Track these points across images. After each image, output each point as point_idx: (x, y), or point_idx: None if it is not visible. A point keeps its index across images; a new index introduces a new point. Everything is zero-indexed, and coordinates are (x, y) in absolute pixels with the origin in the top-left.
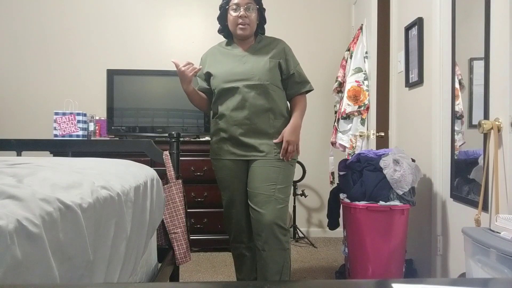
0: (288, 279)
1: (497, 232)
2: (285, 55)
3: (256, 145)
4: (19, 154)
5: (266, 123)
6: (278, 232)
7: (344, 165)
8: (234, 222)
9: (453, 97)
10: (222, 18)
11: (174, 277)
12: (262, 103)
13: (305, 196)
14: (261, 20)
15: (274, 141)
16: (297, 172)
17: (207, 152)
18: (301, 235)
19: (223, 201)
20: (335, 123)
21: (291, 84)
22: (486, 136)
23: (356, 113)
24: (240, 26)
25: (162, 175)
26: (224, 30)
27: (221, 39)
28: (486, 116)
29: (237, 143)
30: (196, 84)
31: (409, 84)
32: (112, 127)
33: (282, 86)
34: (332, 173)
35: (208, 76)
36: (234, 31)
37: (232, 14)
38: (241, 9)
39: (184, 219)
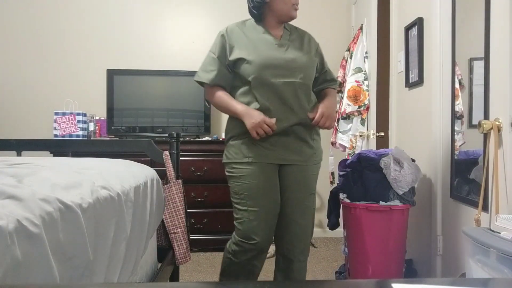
0: None
1: (497, 232)
2: (318, 52)
3: (295, 148)
4: (19, 154)
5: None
6: (310, 242)
7: (344, 165)
8: (262, 235)
9: (453, 97)
10: None
11: (174, 277)
12: (304, 104)
13: None
14: None
15: (310, 115)
16: None
17: (207, 152)
18: None
19: (247, 212)
20: (335, 123)
21: (321, 81)
22: (486, 136)
23: (356, 113)
24: (296, 7)
25: (162, 175)
26: (260, 8)
27: None
28: (486, 116)
29: (274, 144)
30: (210, 70)
31: (409, 84)
32: (112, 127)
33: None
34: (332, 173)
35: (235, 62)
36: (287, 12)
37: None
38: None
39: (184, 219)
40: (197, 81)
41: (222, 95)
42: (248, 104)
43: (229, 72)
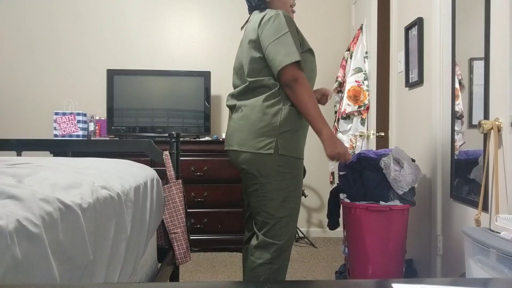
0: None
1: (497, 232)
2: None
3: None
4: (19, 154)
5: None
6: None
7: (344, 165)
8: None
9: (453, 97)
10: None
11: (174, 277)
12: None
13: (305, 196)
14: None
15: None
16: None
17: (207, 152)
18: (301, 235)
19: (296, 210)
20: (335, 123)
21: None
22: (486, 136)
23: (356, 113)
24: (293, 9)
25: (162, 175)
26: (259, 7)
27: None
28: (486, 116)
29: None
30: (298, 50)
31: (409, 84)
32: (112, 127)
33: None
34: (332, 173)
35: (304, 49)
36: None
37: None
38: None
39: (184, 219)
40: (295, 63)
41: (314, 96)
42: None
43: None
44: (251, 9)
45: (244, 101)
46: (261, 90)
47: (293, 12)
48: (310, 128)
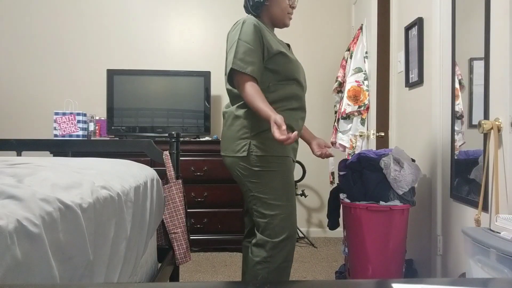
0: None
1: (497, 232)
2: None
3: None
4: (19, 154)
5: None
6: None
7: (344, 165)
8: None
9: (453, 97)
10: None
11: (174, 277)
12: None
13: (305, 196)
14: None
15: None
16: (297, 172)
17: (207, 152)
18: (301, 235)
19: (291, 207)
20: (335, 123)
21: None
22: (486, 136)
23: (356, 113)
24: (290, 16)
25: (162, 175)
26: (258, 9)
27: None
28: (486, 116)
29: (296, 143)
30: (250, 61)
31: (409, 84)
32: (112, 127)
33: None
34: (332, 173)
35: (276, 56)
36: (282, 19)
37: (286, 0)
38: None
39: (184, 219)
40: (234, 70)
41: (258, 92)
42: (286, 101)
43: (263, 66)
44: (247, 12)
45: (227, 108)
46: (238, 98)
47: (290, 19)
48: (309, 129)
